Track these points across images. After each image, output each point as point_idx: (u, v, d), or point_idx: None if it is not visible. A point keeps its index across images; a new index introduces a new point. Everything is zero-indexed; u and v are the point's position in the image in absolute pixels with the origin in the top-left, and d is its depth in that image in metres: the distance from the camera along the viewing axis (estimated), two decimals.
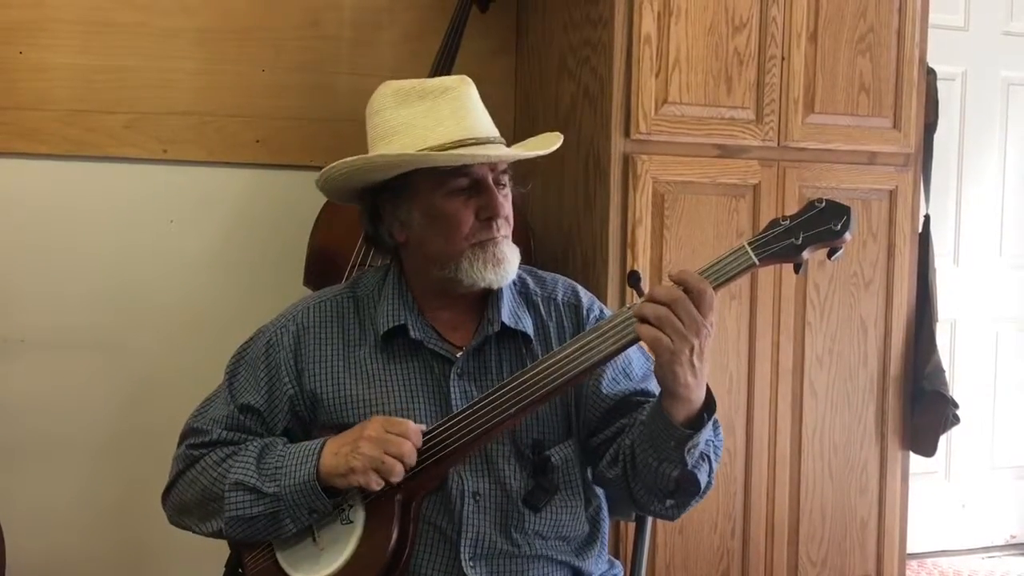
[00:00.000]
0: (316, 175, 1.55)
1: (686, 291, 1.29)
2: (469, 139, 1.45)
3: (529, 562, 1.47)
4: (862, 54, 2.37)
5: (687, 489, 1.38)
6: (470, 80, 1.52)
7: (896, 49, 2.40)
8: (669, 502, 1.43)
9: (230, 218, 2.54)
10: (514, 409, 1.38)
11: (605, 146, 2.22)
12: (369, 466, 1.35)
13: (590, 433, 1.52)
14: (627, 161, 2.20)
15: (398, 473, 1.36)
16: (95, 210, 2.44)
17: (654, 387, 1.52)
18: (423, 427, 1.41)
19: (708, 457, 1.43)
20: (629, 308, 1.36)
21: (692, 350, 1.29)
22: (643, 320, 1.30)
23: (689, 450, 1.35)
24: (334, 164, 1.48)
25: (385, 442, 1.36)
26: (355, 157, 1.47)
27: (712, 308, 1.30)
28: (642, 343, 1.35)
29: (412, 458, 1.36)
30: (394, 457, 1.35)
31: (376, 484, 1.36)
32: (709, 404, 1.36)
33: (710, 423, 1.37)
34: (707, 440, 1.40)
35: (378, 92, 1.53)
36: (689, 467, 1.37)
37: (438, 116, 1.46)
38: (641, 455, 1.39)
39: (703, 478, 1.41)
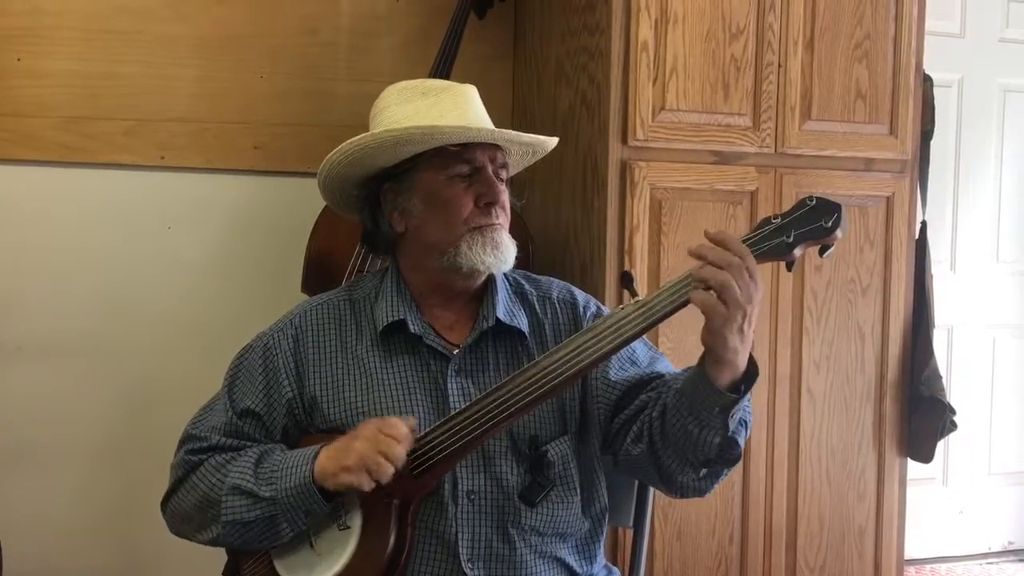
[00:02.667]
0: (314, 181, 1.55)
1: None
2: (471, 127, 1.48)
3: (526, 562, 1.48)
4: (858, 61, 2.38)
5: (728, 455, 1.38)
6: (473, 86, 1.56)
7: (892, 56, 2.41)
8: (703, 471, 1.42)
9: (228, 224, 2.54)
10: (513, 410, 1.38)
11: (602, 153, 2.22)
12: (361, 465, 1.35)
13: (610, 418, 1.53)
14: (624, 168, 2.21)
15: (388, 474, 1.36)
16: (93, 217, 2.45)
17: (662, 369, 1.54)
18: (414, 422, 1.41)
19: (746, 422, 1.44)
20: (622, 308, 1.36)
21: (744, 316, 1.30)
22: (702, 285, 1.30)
23: (733, 415, 1.36)
24: (338, 148, 1.50)
25: (377, 442, 1.36)
26: (361, 136, 1.49)
27: (757, 274, 1.30)
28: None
29: (402, 460, 1.36)
30: (385, 458, 1.35)
31: (368, 484, 1.36)
32: (750, 371, 1.36)
33: (751, 388, 1.38)
34: (745, 406, 1.40)
35: (383, 93, 1.57)
36: (731, 432, 1.37)
37: (442, 108, 1.49)
38: (678, 424, 1.39)
39: (742, 443, 1.41)
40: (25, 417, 2.40)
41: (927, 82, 2.50)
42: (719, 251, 1.30)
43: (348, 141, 1.50)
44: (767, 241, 1.32)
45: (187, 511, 1.50)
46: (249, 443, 1.50)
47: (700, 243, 1.32)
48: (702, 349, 1.36)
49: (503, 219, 1.51)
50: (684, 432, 1.38)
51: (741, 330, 1.30)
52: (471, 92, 1.55)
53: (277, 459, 1.44)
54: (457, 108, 1.50)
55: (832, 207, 1.33)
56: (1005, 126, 3.34)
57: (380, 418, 1.41)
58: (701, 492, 1.48)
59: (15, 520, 2.28)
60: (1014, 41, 3.32)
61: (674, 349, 2.16)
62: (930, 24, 2.52)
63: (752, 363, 1.36)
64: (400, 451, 1.36)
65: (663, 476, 1.47)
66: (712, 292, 1.29)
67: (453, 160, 1.48)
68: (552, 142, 1.60)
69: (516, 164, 1.61)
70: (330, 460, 1.39)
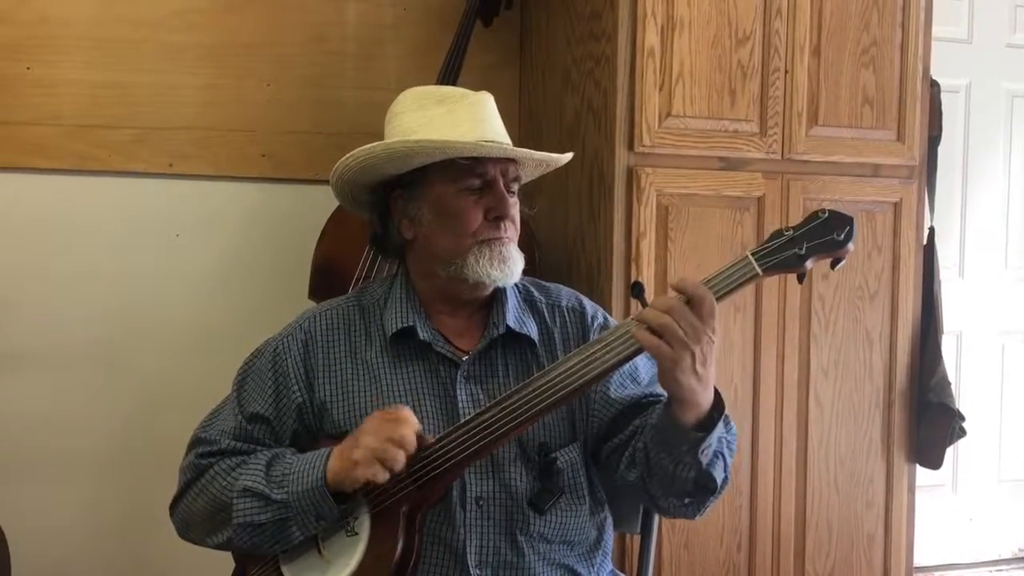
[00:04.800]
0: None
1: (687, 300, 1.30)
2: (486, 140, 1.48)
3: (534, 569, 1.48)
4: (865, 67, 2.37)
5: (704, 489, 1.39)
6: (489, 94, 1.56)
7: (899, 62, 2.40)
8: (687, 500, 1.44)
9: (236, 232, 2.54)
10: (520, 420, 1.38)
11: (609, 159, 2.22)
12: (372, 456, 1.35)
13: (603, 439, 1.53)
14: (631, 174, 2.21)
15: (400, 460, 1.35)
16: (101, 224, 2.45)
17: (662, 389, 1.53)
18: (421, 425, 1.41)
19: (722, 454, 1.43)
20: (631, 320, 1.36)
21: (694, 357, 1.30)
22: (645, 328, 1.31)
23: (702, 451, 1.36)
24: (351, 153, 1.50)
25: (383, 430, 1.36)
26: (374, 143, 1.49)
27: (713, 315, 1.30)
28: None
29: (411, 443, 1.36)
30: (394, 444, 1.35)
31: (382, 476, 1.35)
32: (718, 403, 1.37)
33: (720, 422, 1.37)
34: (719, 438, 1.40)
35: (399, 97, 1.57)
36: (704, 467, 1.37)
37: (456, 119, 1.49)
38: (655, 459, 1.40)
39: (719, 476, 1.41)
40: (33, 426, 2.41)
41: (934, 87, 2.50)
42: (664, 297, 1.31)
43: (360, 148, 1.50)
44: (779, 253, 1.32)
45: (197, 514, 1.50)
46: (258, 447, 1.50)
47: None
48: None
49: (512, 233, 1.51)
50: (661, 467, 1.40)
51: (694, 370, 1.30)
52: (488, 102, 1.54)
53: (289, 462, 1.44)
54: (472, 119, 1.50)
55: (844, 220, 1.33)
56: (1013, 131, 3.33)
57: (382, 409, 1.41)
58: (690, 517, 1.49)
59: (24, 529, 2.28)
60: (1021, 46, 3.31)
61: None
62: (937, 30, 2.51)
63: (718, 398, 1.36)
64: (407, 431, 1.35)
65: (654, 502, 1.48)
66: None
67: (465, 173, 1.48)
68: (565, 158, 1.60)
69: (528, 175, 1.61)
70: (340, 460, 1.39)
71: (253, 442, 1.51)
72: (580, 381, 1.37)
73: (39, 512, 2.41)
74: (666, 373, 1.32)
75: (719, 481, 1.41)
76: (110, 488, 2.47)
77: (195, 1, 2.48)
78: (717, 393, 1.37)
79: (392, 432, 1.35)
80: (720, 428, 1.38)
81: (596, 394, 1.53)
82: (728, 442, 1.47)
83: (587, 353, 1.37)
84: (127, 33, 2.43)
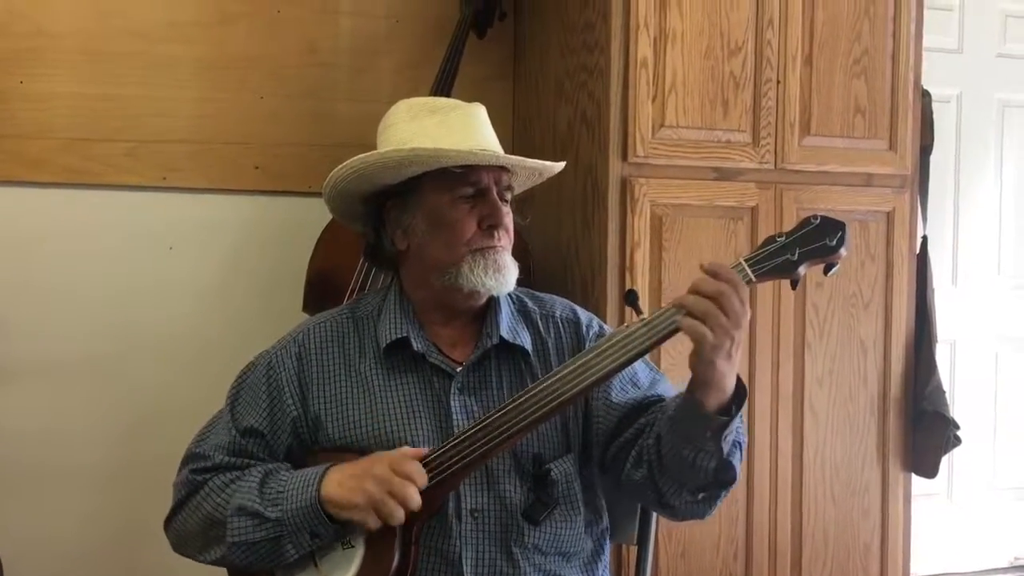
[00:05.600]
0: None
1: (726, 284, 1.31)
2: (479, 149, 1.49)
3: None
4: (857, 77, 2.38)
5: (724, 478, 1.38)
6: (482, 105, 1.57)
7: (891, 72, 2.42)
8: (701, 495, 1.43)
9: (230, 245, 2.54)
10: (516, 430, 1.38)
11: (603, 170, 2.23)
12: (371, 506, 1.36)
13: (609, 442, 1.52)
14: (625, 184, 2.21)
15: (399, 518, 1.36)
16: (95, 238, 2.45)
17: (663, 391, 1.54)
18: (424, 450, 1.41)
19: (740, 443, 1.44)
20: (627, 326, 1.36)
21: (732, 342, 1.31)
22: (688, 314, 1.31)
23: (725, 437, 1.36)
24: (345, 163, 1.50)
25: (390, 483, 1.36)
26: (367, 153, 1.50)
27: (747, 301, 1.31)
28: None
29: (415, 502, 1.36)
30: (398, 500, 1.35)
31: (375, 524, 1.37)
32: (738, 392, 1.37)
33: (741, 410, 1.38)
34: (736, 427, 1.40)
35: (392, 109, 1.58)
36: (725, 455, 1.37)
37: (449, 128, 1.50)
38: (672, 450, 1.39)
39: (738, 465, 1.41)
40: (26, 440, 2.39)
41: (926, 97, 2.51)
42: (707, 281, 1.31)
43: (354, 158, 1.50)
44: (771, 259, 1.33)
45: (191, 531, 1.49)
46: (253, 462, 1.49)
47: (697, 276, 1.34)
48: None
49: (506, 241, 1.51)
50: (679, 458, 1.39)
51: (729, 355, 1.32)
52: (479, 112, 1.55)
53: (283, 479, 1.44)
54: (465, 128, 1.51)
55: (836, 225, 1.34)
56: (1004, 140, 3.35)
57: (395, 452, 1.40)
58: (700, 516, 1.49)
59: (17, 544, 2.27)
60: (1012, 56, 3.33)
61: (676, 365, 2.16)
62: (928, 40, 2.53)
63: (740, 384, 1.37)
64: (412, 493, 1.36)
65: (661, 501, 1.47)
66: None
67: (458, 182, 1.48)
68: (558, 167, 1.60)
69: (521, 185, 1.62)
70: (339, 490, 1.38)
71: (247, 456, 1.50)
72: (575, 389, 1.37)
73: (34, 527, 2.40)
74: (703, 357, 1.31)
75: (737, 471, 1.40)
76: (105, 502, 2.46)
77: (189, 14, 2.48)
78: (739, 379, 1.37)
79: (398, 489, 1.35)
80: (742, 415, 1.39)
81: (597, 401, 1.52)
82: (742, 432, 1.46)
83: (581, 361, 1.37)
84: (121, 46, 2.44)
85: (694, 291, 1.31)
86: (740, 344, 1.33)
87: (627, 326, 1.37)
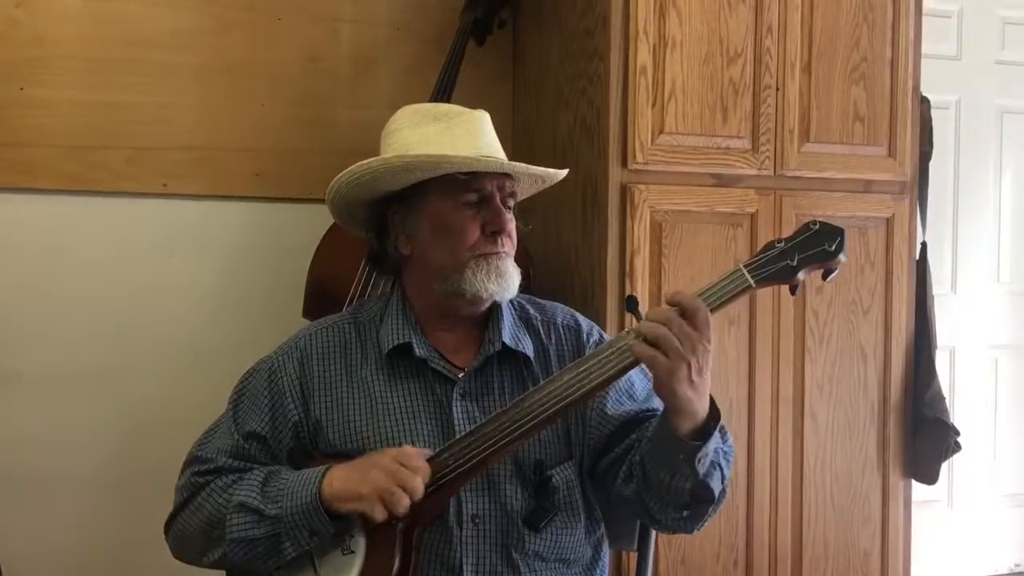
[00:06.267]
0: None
1: (681, 311, 1.31)
2: (483, 156, 1.50)
3: None
4: (856, 83, 2.39)
5: (701, 499, 1.39)
6: (486, 112, 1.57)
7: (890, 79, 2.42)
8: (685, 512, 1.44)
9: (230, 251, 2.54)
10: (517, 434, 1.38)
11: (602, 176, 2.23)
12: (377, 495, 1.36)
13: (600, 454, 1.53)
14: (624, 191, 2.22)
15: (404, 506, 1.36)
16: (95, 245, 2.45)
17: (658, 404, 1.53)
18: (428, 452, 1.41)
19: (719, 465, 1.44)
20: (628, 332, 1.37)
21: (690, 367, 1.31)
22: (642, 340, 1.32)
23: (699, 460, 1.36)
24: (348, 169, 1.51)
25: (396, 473, 1.36)
26: (372, 159, 1.50)
27: (708, 326, 1.31)
28: (641, 364, 1.37)
29: (420, 493, 1.37)
30: (403, 490, 1.35)
31: (380, 515, 1.36)
32: (714, 414, 1.37)
33: (716, 431, 1.38)
34: (716, 448, 1.40)
35: (395, 115, 1.58)
36: (701, 477, 1.37)
37: (453, 135, 1.51)
38: (652, 470, 1.40)
39: (716, 486, 1.42)
40: (28, 446, 2.39)
41: (925, 104, 2.51)
42: (659, 309, 1.33)
43: (358, 163, 1.51)
44: (771, 265, 1.34)
45: (192, 532, 1.49)
46: (254, 465, 1.50)
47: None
48: None
49: (509, 247, 1.52)
50: (658, 479, 1.40)
51: (690, 380, 1.31)
52: (483, 118, 1.56)
53: (284, 478, 1.44)
54: (469, 134, 1.51)
55: (835, 231, 1.35)
56: (1003, 146, 3.36)
57: (398, 447, 1.41)
58: (687, 531, 1.49)
59: (17, 549, 2.27)
60: (1010, 63, 3.34)
61: None
62: (927, 47, 2.53)
63: (713, 408, 1.37)
64: (418, 484, 1.36)
65: (651, 516, 1.48)
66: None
67: (462, 188, 1.49)
68: (561, 174, 1.61)
69: (524, 192, 1.62)
70: (343, 483, 1.39)
71: (249, 460, 1.50)
72: (575, 395, 1.37)
73: (34, 534, 2.39)
74: (662, 384, 1.32)
75: (716, 492, 1.41)
76: (106, 509, 2.46)
77: (189, 21, 2.48)
78: (713, 403, 1.37)
79: (404, 479, 1.36)
80: (716, 438, 1.38)
81: (593, 411, 1.53)
82: (725, 453, 1.47)
83: (581, 368, 1.38)
84: (121, 53, 2.44)
85: (645, 319, 1.33)
86: (703, 370, 1.32)
87: (627, 332, 1.38)
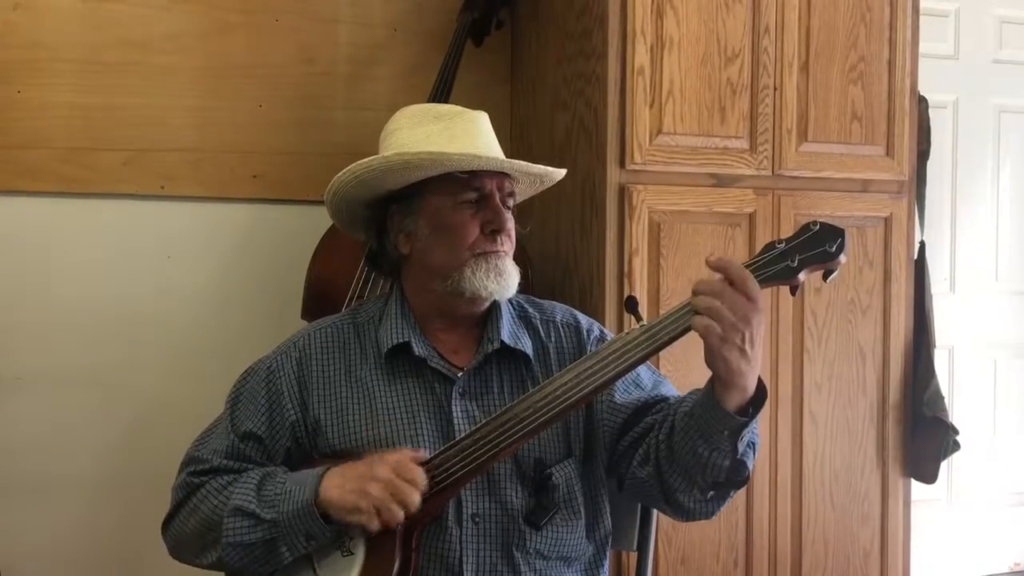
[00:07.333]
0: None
1: (729, 280, 1.30)
2: (482, 155, 1.50)
3: None
4: (854, 83, 2.39)
5: (737, 477, 1.38)
6: (485, 113, 1.58)
7: (887, 78, 2.42)
8: (710, 494, 1.43)
9: (228, 253, 2.54)
10: (519, 435, 1.38)
11: (601, 177, 2.23)
12: (372, 507, 1.36)
13: (615, 441, 1.53)
14: (623, 191, 2.22)
15: (398, 519, 1.36)
16: (93, 247, 2.45)
17: (666, 392, 1.55)
18: (424, 455, 1.41)
19: (754, 444, 1.44)
20: (627, 332, 1.37)
21: (743, 338, 1.30)
22: (696, 312, 1.31)
23: (741, 438, 1.36)
24: (348, 168, 1.51)
25: (393, 486, 1.36)
26: (372, 157, 1.50)
27: (759, 295, 1.30)
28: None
29: (416, 507, 1.37)
30: (400, 504, 1.36)
31: (376, 526, 1.37)
32: (759, 393, 1.36)
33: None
34: (752, 428, 1.40)
35: (395, 115, 1.58)
36: (739, 455, 1.37)
37: (452, 134, 1.51)
38: (687, 446, 1.39)
39: (751, 465, 1.41)
40: (25, 448, 2.39)
41: (922, 103, 2.52)
42: (709, 282, 1.31)
43: (357, 162, 1.51)
44: (771, 266, 1.34)
45: (188, 533, 1.49)
46: (250, 466, 1.50)
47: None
48: (704, 373, 1.36)
49: (508, 247, 1.52)
50: (693, 455, 1.39)
51: (742, 350, 1.30)
52: (482, 119, 1.57)
53: (280, 481, 1.44)
54: (468, 134, 1.52)
55: (835, 232, 1.34)
56: (1001, 145, 3.36)
57: (397, 453, 1.41)
58: (707, 515, 1.48)
59: (16, 551, 2.27)
60: (1007, 62, 3.34)
61: (674, 372, 2.16)
62: (924, 46, 2.53)
63: (761, 386, 1.36)
64: (416, 498, 1.36)
65: (669, 499, 1.47)
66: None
67: (461, 187, 1.49)
68: (560, 173, 1.62)
69: (523, 192, 1.63)
70: (340, 493, 1.38)
71: (245, 460, 1.50)
72: (577, 395, 1.37)
73: (32, 535, 2.39)
74: (715, 353, 1.30)
75: (750, 471, 1.40)
76: (104, 508, 2.46)
77: (186, 24, 2.48)
78: (760, 382, 1.36)
79: (402, 494, 1.36)
80: (758, 416, 1.38)
81: (601, 404, 1.53)
82: (756, 433, 1.45)
83: (583, 367, 1.38)
84: (118, 56, 2.44)
85: (697, 290, 1.32)
86: (756, 341, 1.31)
87: (627, 332, 1.37)
